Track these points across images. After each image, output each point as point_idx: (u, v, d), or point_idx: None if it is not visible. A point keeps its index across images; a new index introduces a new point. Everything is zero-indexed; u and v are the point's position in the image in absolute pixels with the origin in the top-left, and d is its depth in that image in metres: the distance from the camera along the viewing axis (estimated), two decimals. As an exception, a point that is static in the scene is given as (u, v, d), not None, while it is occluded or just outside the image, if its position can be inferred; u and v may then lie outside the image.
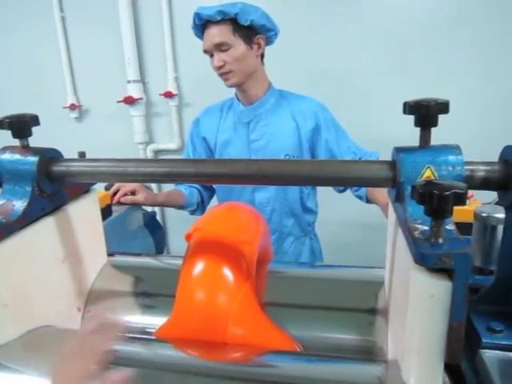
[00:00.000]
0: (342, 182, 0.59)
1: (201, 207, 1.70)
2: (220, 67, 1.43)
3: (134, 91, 2.46)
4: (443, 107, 0.53)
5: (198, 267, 0.73)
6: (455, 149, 0.55)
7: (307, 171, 0.59)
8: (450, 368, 0.57)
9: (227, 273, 0.73)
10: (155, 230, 1.53)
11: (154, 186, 2.42)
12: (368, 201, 1.51)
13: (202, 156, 1.66)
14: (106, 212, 1.19)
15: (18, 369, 0.65)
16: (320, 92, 1.65)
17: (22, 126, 0.71)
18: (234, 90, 1.60)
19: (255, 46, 1.48)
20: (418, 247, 0.46)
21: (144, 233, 1.47)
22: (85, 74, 2.60)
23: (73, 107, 2.64)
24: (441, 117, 0.54)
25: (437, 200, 0.44)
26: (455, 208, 0.91)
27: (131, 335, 0.77)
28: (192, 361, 0.67)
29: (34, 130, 0.76)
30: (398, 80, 2.11)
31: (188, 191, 1.64)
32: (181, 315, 0.72)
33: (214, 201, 1.77)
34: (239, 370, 0.64)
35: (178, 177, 0.67)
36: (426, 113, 0.54)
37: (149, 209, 1.64)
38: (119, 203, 1.34)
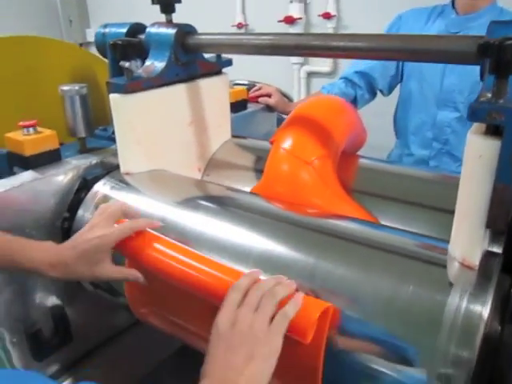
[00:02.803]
0: (426, 56, 0.59)
1: None
2: None
3: (295, 11, 2.51)
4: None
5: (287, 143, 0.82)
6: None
7: (392, 44, 0.60)
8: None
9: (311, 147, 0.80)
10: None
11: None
12: None
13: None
14: (240, 105, 1.33)
15: (144, 192, 0.84)
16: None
17: (167, 1, 0.86)
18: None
19: None
20: (473, 104, 0.47)
21: (276, 135, 1.57)
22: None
23: (240, 26, 2.82)
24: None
25: (496, 50, 0.43)
26: None
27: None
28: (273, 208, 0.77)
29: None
30: None
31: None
32: (268, 181, 0.82)
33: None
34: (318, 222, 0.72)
35: (280, 49, 0.75)
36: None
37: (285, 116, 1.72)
38: (255, 102, 1.46)
